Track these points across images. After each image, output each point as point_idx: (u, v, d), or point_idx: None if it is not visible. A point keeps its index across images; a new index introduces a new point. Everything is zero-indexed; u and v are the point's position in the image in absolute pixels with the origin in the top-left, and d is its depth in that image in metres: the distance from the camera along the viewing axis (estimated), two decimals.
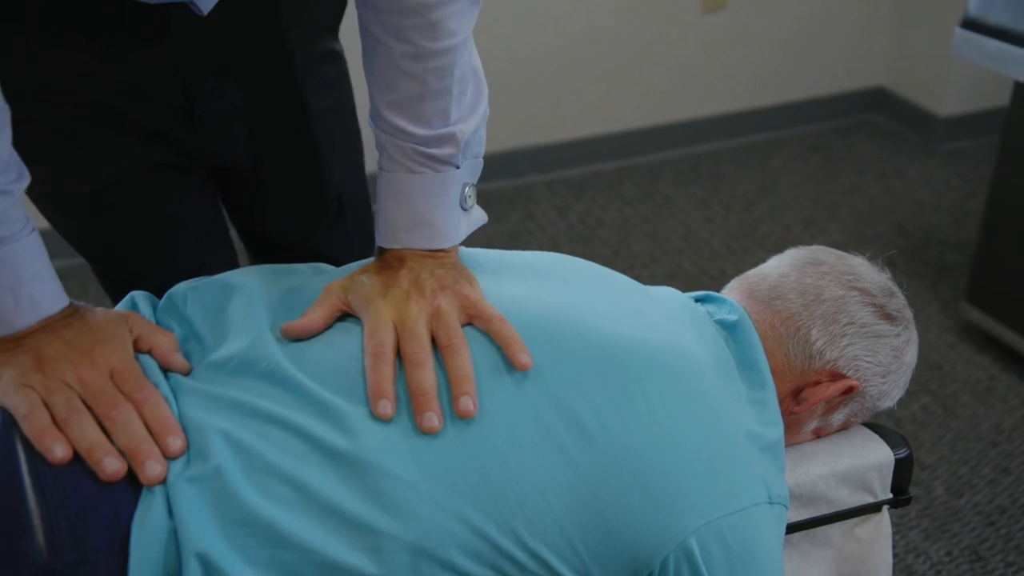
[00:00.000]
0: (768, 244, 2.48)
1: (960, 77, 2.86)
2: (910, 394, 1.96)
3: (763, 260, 1.04)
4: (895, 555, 1.62)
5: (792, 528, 1.00)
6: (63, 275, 0.85)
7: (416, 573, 0.77)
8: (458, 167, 0.91)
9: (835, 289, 0.98)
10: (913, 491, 1.71)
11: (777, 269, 1.01)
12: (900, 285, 1.03)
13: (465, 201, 0.92)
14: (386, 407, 0.77)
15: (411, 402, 0.78)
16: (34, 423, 0.75)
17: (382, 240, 0.91)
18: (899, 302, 1.00)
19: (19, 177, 0.80)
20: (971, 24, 1.89)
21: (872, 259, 1.04)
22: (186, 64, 0.95)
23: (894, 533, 1.65)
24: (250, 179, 1.08)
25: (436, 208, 0.90)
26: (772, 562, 0.87)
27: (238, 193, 1.12)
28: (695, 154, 2.95)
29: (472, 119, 0.92)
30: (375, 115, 0.91)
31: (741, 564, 0.84)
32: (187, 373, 0.84)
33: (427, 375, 0.79)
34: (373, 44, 0.88)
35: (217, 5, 0.85)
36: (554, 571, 0.81)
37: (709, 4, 2.82)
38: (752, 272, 1.04)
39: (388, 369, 0.79)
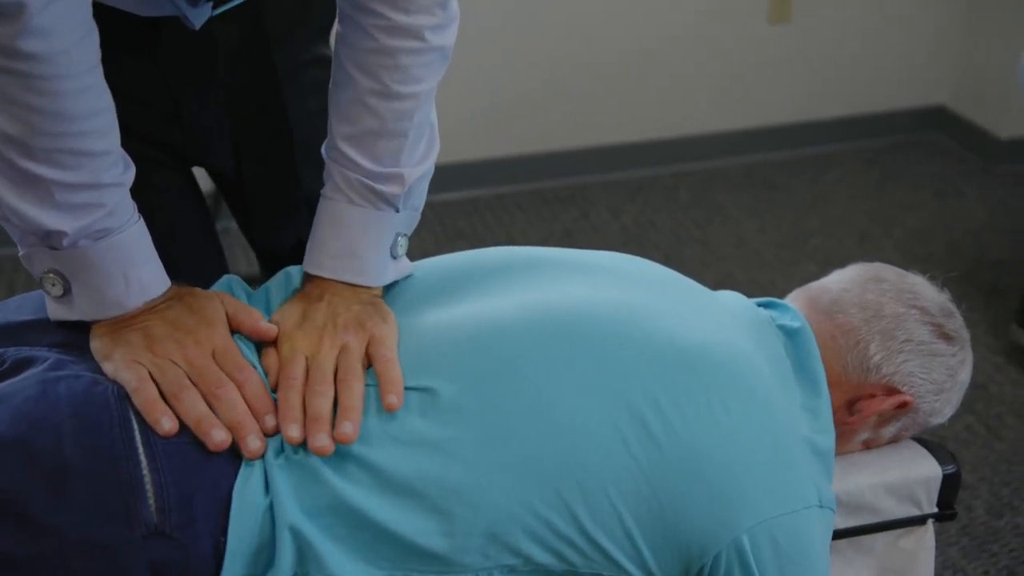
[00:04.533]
0: (819, 257, 2.50)
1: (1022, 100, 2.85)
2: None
3: (814, 273, 1.08)
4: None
5: (838, 535, 1.03)
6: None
7: (485, 556, 0.82)
8: (398, 210, 0.94)
9: (895, 306, 1.01)
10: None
11: (839, 283, 1.05)
12: (960, 304, 1.06)
13: (396, 249, 0.96)
14: (295, 431, 0.81)
15: (307, 425, 0.82)
16: (144, 396, 0.80)
17: (309, 265, 0.94)
18: (956, 323, 1.03)
19: (126, 169, 0.86)
20: None
21: (932, 279, 1.07)
22: (174, 73, 1.00)
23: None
24: (235, 184, 1.12)
25: (367, 244, 0.93)
26: (819, 564, 0.91)
27: (231, 198, 1.17)
28: (751, 163, 2.97)
29: (420, 167, 0.96)
30: (330, 146, 0.94)
31: (790, 564, 0.88)
32: (256, 335, 0.90)
33: (324, 403, 0.83)
34: (343, 78, 0.92)
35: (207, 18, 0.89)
36: (611, 559, 0.85)
37: (775, 16, 2.84)
38: (814, 284, 1.07)
39: (298, 398, 0.84)
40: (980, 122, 2.99)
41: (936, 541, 1.66)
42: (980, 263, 2.48)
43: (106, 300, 0.85)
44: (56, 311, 0.87)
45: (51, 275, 0.84)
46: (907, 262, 2.45)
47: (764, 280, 2.41)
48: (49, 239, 0.82)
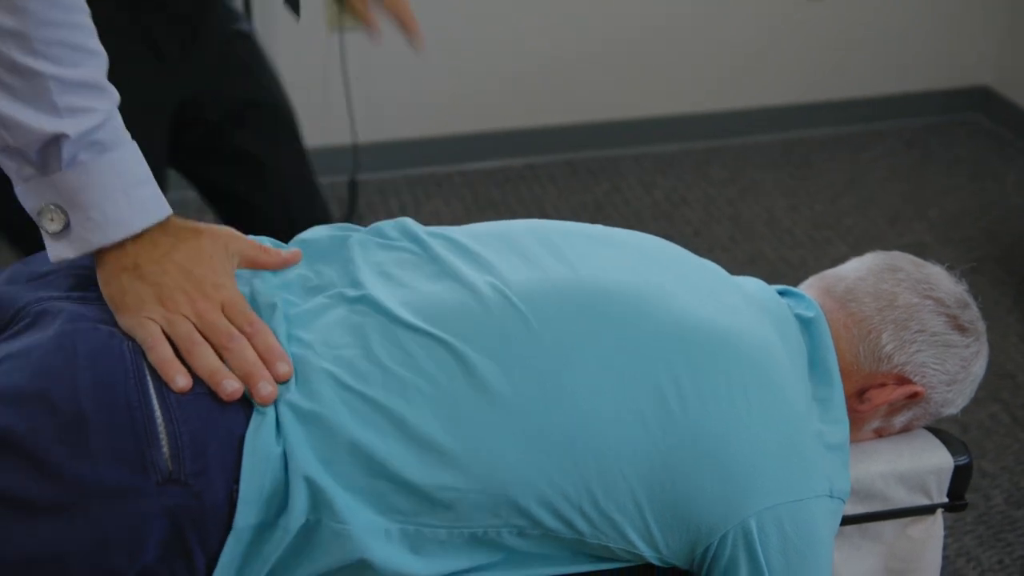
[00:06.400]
0: (851, 238, 2.48)
1: None
2: (979, 401, 1.96)
3: (845, 253, 1.08)
4: (946, 557, 1.64)
5: (847, 521, 1.04)
6: None
7: (495, 515, 0.85)
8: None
9: (909, 296, 1.01)
10: (971, 497, 1.73)
11: (855, 272, 1.04)
12: (978, 294, 1.05)
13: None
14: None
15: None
16: (159, 355, 0.83)
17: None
18: (972, 314, 1.03)
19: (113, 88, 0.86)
20: None
21: (950, 269, 1.06)
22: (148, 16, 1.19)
23: (947, 536, 1.67)
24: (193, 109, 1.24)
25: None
26: (823, 551, 0.92)
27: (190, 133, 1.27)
28: (787, 140, 2.94)
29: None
30: None
31: (794, 549, 0.89)
32: (284, 262, 0.93)
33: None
34: None
35: None
36: (621, 531, 0.87)
37: None
38: (830, 272, 1.07)
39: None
40: (1023, 104, 2.94)
41: (951, 529, 1.67)
42: (1016, 249, 2.45)
43: (108, 220, 0.84)
44: (56, 250, 0.86)
45: (50, 208, 0.83)
46: (941, 245, 2.44)
47: (794, 259, 2.40)
48: (48, 156, 0.82)
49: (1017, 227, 2.55)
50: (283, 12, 2.46)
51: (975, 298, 1.05)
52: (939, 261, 1.07)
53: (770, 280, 1.07)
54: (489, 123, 2.72)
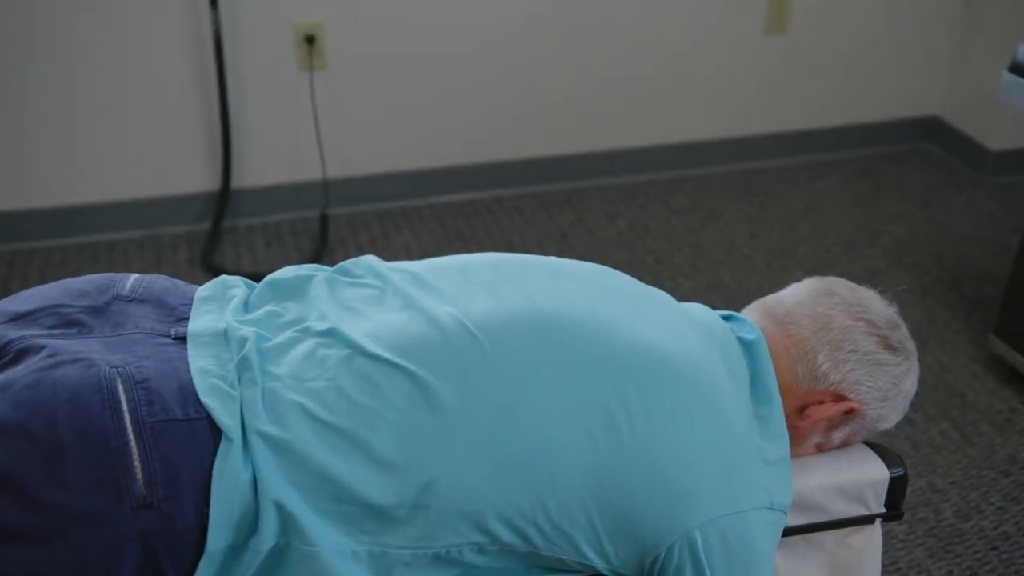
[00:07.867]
0: (808, 264, 2.56)
1: (1014, 112, 2.90)
2: (929, 419, 2.04)
3: (801, 279, 1.15)
4: (898, 569, 1.71)
5: (790, 532, 1.10)
6: None
7: (456, 532, 0.91)
8: None
9: (843, 319, 1.08)
10: (923, 511, 1.80)
11: (794, 296, 1.12)
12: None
13: None
14: None
15: None
16: None
17: None
18: (902, 335, 1.10)
19: None
20: (1018, 69, 1.96)
21: (883, 293, 1.14)
22: None
23: (900, 549, 1.74)
24: None
25: None
26: (764, 559, 0.98)
27: None
28: (747, 170, 3.03)
29: None
30: None
31: (736, 557, 0.95)
32: None
33: None
34: None
35: None
36: (573, 544, 0.93)
37: (771, 26, 2.90)
38: (771, 297, 1.14)
39: None
40: (971, 133, 3.05)
41: (903, 541, 1.74)
42: (964, 273, 2.54)
43: None
44: None
45: None
46: (893, 270, 2.54)
47: (752, 286, 2.47)
48: None
49: (966, 252, 2.65)
50: (254, 54, 2.53)
51: (907, 320, 1.12)
52: (892, 285, 1.14)
53: (729, 306, 1.13)
54: (457, 158, 2.80)
